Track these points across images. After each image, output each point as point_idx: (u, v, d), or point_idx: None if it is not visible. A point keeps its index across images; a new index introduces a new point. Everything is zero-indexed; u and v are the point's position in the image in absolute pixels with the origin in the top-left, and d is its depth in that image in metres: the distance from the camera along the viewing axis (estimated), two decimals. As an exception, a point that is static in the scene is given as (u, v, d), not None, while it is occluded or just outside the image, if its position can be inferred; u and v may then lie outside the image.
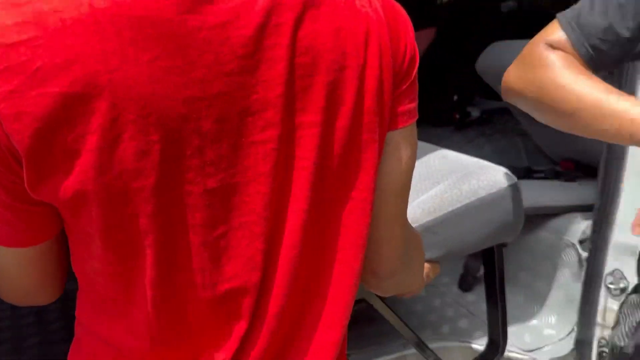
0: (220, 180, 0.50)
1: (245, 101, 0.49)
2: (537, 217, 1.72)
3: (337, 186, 0.56)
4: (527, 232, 1.74)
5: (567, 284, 1.63)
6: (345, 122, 0.53)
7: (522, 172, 1.94)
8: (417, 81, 0.59)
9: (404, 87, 0.57)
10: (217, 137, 0.49)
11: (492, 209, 1.09)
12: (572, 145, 1.86)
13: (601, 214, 1.43)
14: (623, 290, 1.40)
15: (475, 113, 2.65)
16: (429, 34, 2.54)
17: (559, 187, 1.85)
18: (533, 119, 0.88)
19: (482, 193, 1.08)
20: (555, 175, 1.96)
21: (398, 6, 0.58)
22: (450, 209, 1.07)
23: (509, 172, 1.12)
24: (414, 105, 0.59)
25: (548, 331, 1.65)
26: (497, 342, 1.26)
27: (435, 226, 1.06)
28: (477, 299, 1.77)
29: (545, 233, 1.73)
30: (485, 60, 1.89)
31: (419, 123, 0.62)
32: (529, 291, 1.73)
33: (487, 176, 1.10)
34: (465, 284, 1.88)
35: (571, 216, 1.68)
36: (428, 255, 0.91)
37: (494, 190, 1.08)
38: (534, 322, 1.68)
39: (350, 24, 0.52)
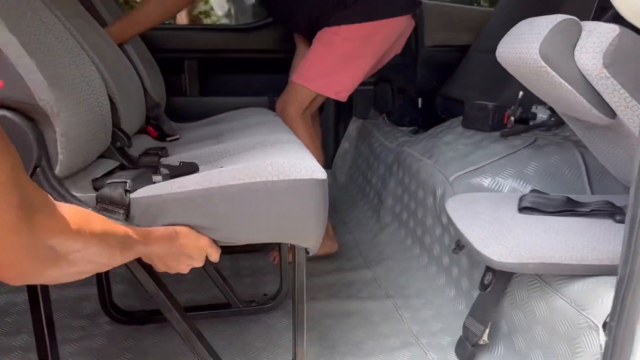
0: None
1: None
2: (559, 277, 1.24)
3: None
4: (542, 297, 1.27)
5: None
6: None
7: (559, 202, 1.39)
8: None
9: None
10: None
11: (293, 197, 0.98)
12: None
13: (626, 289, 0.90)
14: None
15: (541, 114, 2.05)
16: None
17: (605, 232, 1.27)
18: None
19: (285, 176, 0.98)
20: (610, 211, 1.36)
21: None
22: (249, 180, 0.96)
23: (322, 169, 1.03)
24: None
25: None
26: None
27: (217, 195, 0.96)
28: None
29: (563, 304, 1.19)
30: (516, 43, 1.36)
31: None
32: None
33: (300, 161, 1.02)
34: (464, 353, 1.42)
35: (604, 282, 1.14)
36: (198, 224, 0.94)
37: (305, 177, 0.98)
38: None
39: None
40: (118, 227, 0.78)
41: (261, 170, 0.97)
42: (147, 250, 0.87)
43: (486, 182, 1.73)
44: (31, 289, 1.10)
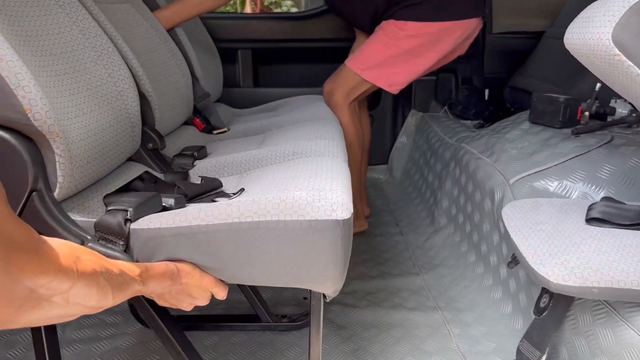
0: None
1: None
2: (630, 303, 1.08)
3: None
4: (609, 324, 1.11)
5: None
6: None
7: (636, 214, 1.21)
8: None
9: None
10: None
11: (308, 239, 0.85)
12: None
13: None
14: None
15: (621, 109, 1.83)
16: None
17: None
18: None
19: (299, 216, 0.85)
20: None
21: None
22: (258, 218, 0.84)
23: (348, 204, 0.89)
24: None
25: None
26: None
27: (222, 232, 0.84)
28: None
29: (634, 335, 1.04)
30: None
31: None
32: None
33: (324, 193, 0.88)
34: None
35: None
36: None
37: (322, 217, 0.84)
38: None
39: None
40: (112, 264, 0.71)
41: (272, 208, 0.85)
42: (144, 290, 0.78)
43: (552, 186, 1.55)
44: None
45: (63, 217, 0.86)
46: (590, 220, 1.21)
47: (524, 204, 1.37)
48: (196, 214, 0.86)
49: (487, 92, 2.70)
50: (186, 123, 1.77)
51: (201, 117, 1.85)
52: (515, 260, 1.36)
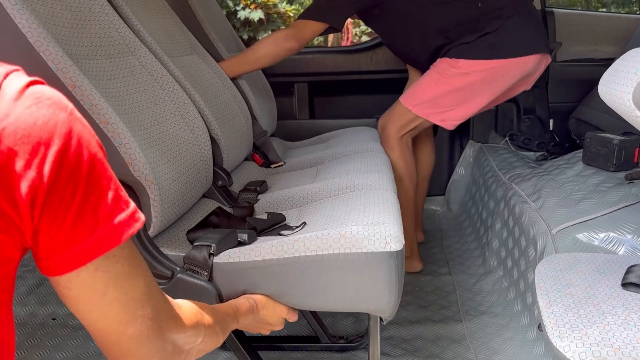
0: None
1: None
2: None
3: None
4: None
5: None
6: None
7: None
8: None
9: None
10: None
11: (365, 269, 0.98)
12: None
13: None
14: None
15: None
16: None
17: None
18: None
19: (357, 249, 0.98)
20: None
21: None
22: (321, 252, 0.98)
23: (400, 236, 1.01)
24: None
25: None
26: None
27: (291, 265, 0.99)
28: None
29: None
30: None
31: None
32: None
33: (378, 228, 1.01)
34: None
35: None
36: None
37: (378, 249, 0.97)
38: None
39: None
40: (220, 312, 0.86)
41: (334, 242, 0.98)
42: (237, 326, 0.93)
43: (597, 238, 1.43)
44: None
45: (157, 252, 1.02)
46: (626, 285, 1.07)
47: (561, 259, 1.26)
48: (268, 249, 1.00)
49: (551, 122, 2.58)
50: (246, 159, 1.93)
51: (260, 153, 2.01)
52: None
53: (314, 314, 1.67)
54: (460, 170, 2.85)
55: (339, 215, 1.14)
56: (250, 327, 1.02)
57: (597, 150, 1.79)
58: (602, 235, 1.43)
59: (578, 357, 0.92)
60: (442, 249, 2.38)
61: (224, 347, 1.28)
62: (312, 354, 1.63)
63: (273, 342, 1.68)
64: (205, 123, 1.43)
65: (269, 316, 1.01)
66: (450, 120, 2.06)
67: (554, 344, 0.96)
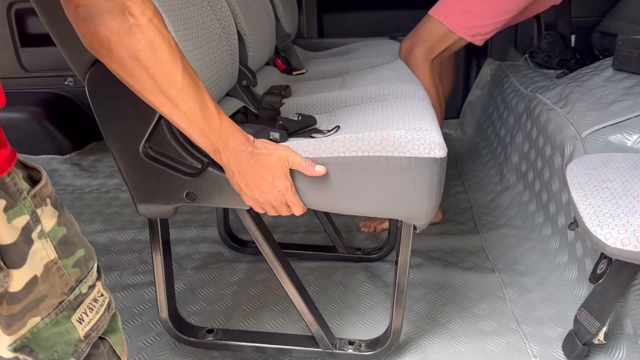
0: None
1: None
2: None
3: None
4: None
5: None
6: None
7: None
8: None
9: None
10: None
11: (406, 175, 0.93)
12: None
13: None
14: None
15: None
16: None
17: None
18: None
19: (400, 153, 0.93)
20: None
21: None
22: (362, 154, 0.93)
23: (443, 143, 0.95)
24: None
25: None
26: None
27: (329, 165, 0.94)
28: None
29: None
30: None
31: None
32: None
33: (420, 133, 0.95)
34: (573, 351, 1.19)
35: None
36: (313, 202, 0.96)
37: (422, 155, 0.93)
38: None
39: None
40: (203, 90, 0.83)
41: (375, 144, 0.93)
42: (219, 125, 0.85)
43: (630, 140, 1.38)
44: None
45: (188, 144, 0.97)
46: None
47: (593, 159, 1.26)
48: (305, 147, 0.95)
49: (573, 38, 2.42)
50: (267, 63, 1.82)
51: (282, 58, 1.90)
52: (576, 221, 1.20)
53: (332, 224, 1.66)
54: (476, 91, 2.76)
55: (376, 120, 1.07)
56: (244, 162, 0.88)
57: (629, 54, 1.71)
58: (635, 136, 1.39)
59: (621, 243, 0.91)
60: (456, 170, 2.35)
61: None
62: (330, 264, 1.65)
63: (290, 249, 1.68)
64: (232, 15, 1.32)
65: (270, 160, 0.89)
66: (480, 36, 1.89)
67: (594, 232, 0.95)
